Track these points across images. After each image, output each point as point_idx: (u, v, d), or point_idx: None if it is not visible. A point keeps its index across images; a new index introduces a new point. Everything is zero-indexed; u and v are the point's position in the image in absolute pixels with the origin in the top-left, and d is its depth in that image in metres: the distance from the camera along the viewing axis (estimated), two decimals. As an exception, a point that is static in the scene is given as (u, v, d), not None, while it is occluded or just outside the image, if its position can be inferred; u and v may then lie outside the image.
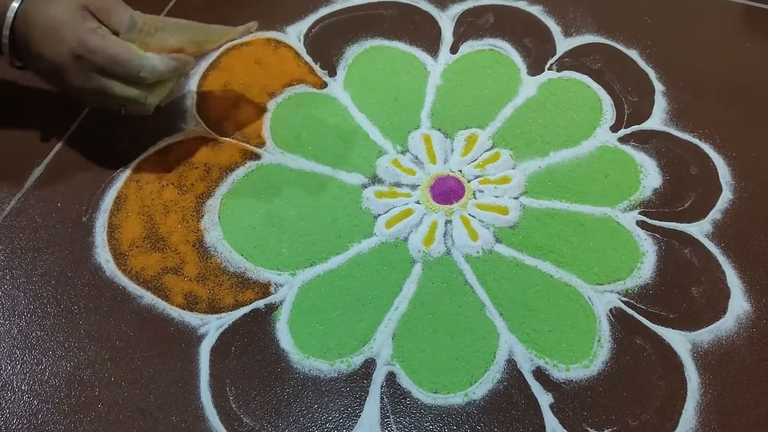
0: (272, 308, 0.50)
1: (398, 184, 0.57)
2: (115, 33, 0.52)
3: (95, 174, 0.57)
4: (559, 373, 0.48)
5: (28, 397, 0.46)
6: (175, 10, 0.71)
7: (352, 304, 0.51)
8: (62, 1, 0.51)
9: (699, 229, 0.55)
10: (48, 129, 0.60)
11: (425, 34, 0.68)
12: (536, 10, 0.70)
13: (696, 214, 0.56)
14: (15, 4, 0.51)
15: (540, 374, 0.48)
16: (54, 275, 0.52)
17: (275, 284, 0.52)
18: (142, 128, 0.60)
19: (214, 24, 0.56)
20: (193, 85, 0.64)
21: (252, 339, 0.49)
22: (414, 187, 0.57)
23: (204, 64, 0.66)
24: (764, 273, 0.52)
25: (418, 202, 0.56)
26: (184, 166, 0.58)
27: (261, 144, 0.60)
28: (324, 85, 0.64)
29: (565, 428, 0.45)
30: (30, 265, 0.52)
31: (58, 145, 0.59)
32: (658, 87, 0.64)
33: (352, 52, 0.67)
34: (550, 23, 0.69)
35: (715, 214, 0.56)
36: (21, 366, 0.47)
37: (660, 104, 0.63)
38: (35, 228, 0.54)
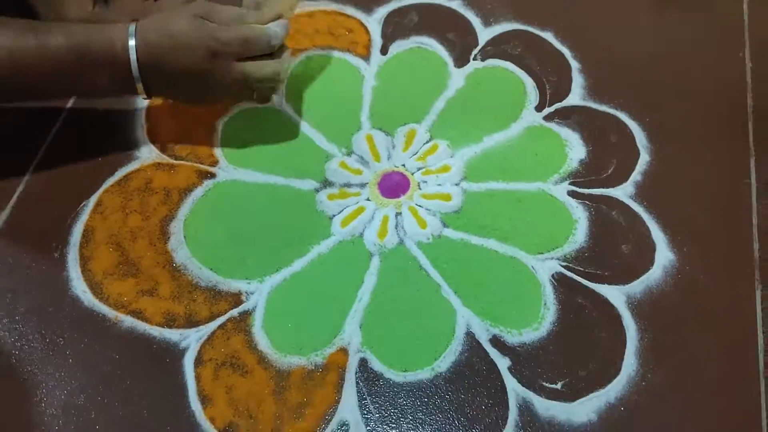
0: (246, 315, 0.54)
1: (348, 185, 0.61)
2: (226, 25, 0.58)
3: (59, 211, 0.60)
4: (513, 338, 0.53)
5: (28, 429, 0.49)
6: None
7: (320, 301, 0.55)
8: (176, 19, 0.56)
9: (623, 192, 0.61)
10: (6, 174, 0.62)
11: (356, 39, 0.72)
12: (456, 5, 0.75)
13: (619, 178, 0.61)
14: (131, 42, 0.55)
15: (496, 341, 0.53)
16: (35, 312, 0.54)
17: (246, 293, 0.55)
18: (98, 162, 0.63)
19: None
20: (141, 115, 0.67)
21: (231, 346, 0.53)
22: (363, 185, 0.61)
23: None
24: (683, 224, 0.58)
25: (368, 199, 0.60)
26: (145, 192, 0.61)
27: (214, 163, 0.63)
28: (267, 99, 0.68)
29: (523, 386, 0.51)
30: (10, 305, 0.55)
31: (20, 188, 0.61)
32: (574, 65, 0.69)
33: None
34: (470, 15, 0.74)
35: (635, 176, 0.61)
36: (17, 401, 0.50)
37: (578, 81, 0.68)
38: (9, 270, 0.57)
